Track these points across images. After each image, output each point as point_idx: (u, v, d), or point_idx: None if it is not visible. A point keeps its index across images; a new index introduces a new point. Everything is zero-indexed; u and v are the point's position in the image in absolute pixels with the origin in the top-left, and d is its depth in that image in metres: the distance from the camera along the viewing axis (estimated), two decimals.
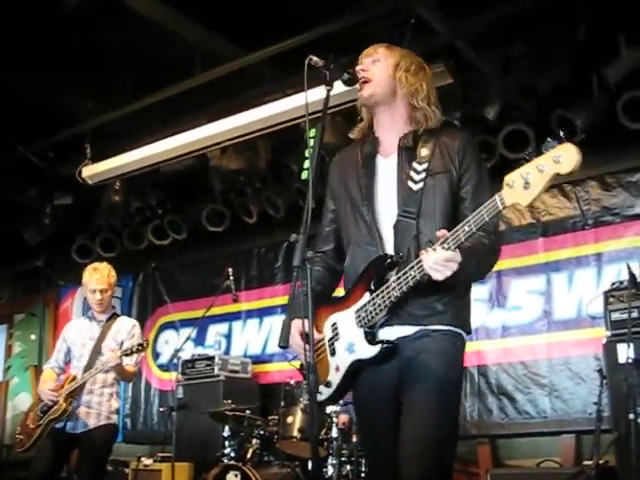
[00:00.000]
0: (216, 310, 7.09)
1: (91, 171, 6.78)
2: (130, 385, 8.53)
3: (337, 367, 2.74)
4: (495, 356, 6.27)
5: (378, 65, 2.81)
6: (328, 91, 2.69)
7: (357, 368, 2.70)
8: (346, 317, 2.73)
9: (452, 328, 2.66)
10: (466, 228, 2.41)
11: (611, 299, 5.25)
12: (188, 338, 6.45)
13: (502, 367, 6.23)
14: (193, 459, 6.68)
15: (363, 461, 5.10)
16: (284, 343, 2.46)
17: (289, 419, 5.41)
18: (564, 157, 2.23)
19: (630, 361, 4.58)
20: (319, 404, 2.89)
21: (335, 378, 2.75)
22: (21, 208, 8.15)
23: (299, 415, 5.38)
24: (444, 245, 2.42)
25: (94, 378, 5.05)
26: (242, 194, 7.37)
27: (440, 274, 2.44)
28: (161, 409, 7.85)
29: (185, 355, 7.39)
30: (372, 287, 2.64)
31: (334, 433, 5.20)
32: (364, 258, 2.72)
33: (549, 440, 5.98)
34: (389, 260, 2.64)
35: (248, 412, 5.83)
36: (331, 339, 2.77)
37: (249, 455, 5.64)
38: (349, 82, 2.77)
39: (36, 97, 6.41)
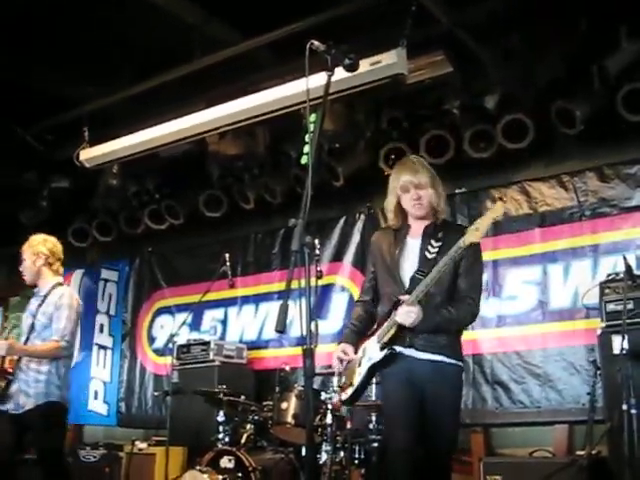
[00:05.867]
0: (212, 295, 7.11)
1: (89, 154, 6.75)
2: (125, 369, 8.58)
3: (359, 373, 3.93)
4: (490, 345, 6.29)
5: (425, 192, 3.82)
6: (329, 77, 2.69)
7: (372, 371, 3.89)
8: (372, 341, 3.89)
9: (457, 362, 3.79)
10: (421, 288, 3.61)
11: (607, 290, 5.26)
12: (184, 323, 6.47)
13: (497, 356, 6.24)
14: (187, 443, 6.72)
15: (357, 448, 5.14)
16: (281, 327, 2.47)
17: (283, 405, 5.41)
18: (481, 225, 3.47)
19: (624, 352, 4.56)
20: (345, 401, 4.05)
21: (357, 380, 3.93)
22: (18, 190, 8.14)
23: (293, 401, 5.39)
24: (408, 301, 3.64)
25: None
26: (240, 180, 7.35)
27: (405, 321, 3.64)
28: (156, 393, 7.89)
29: (180, 340, 7.40)
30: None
31: (328, 420, 5.20)
32: (391, 304, 3.80)
33: (542, 430, 6.02)
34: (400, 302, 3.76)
35: (243, 397, 5.85)
36: (361, 358, 3.93)
37: (243, 440, 5.65)
38: (350, 68, 2.76)
39: (35, 80, 6.39)
